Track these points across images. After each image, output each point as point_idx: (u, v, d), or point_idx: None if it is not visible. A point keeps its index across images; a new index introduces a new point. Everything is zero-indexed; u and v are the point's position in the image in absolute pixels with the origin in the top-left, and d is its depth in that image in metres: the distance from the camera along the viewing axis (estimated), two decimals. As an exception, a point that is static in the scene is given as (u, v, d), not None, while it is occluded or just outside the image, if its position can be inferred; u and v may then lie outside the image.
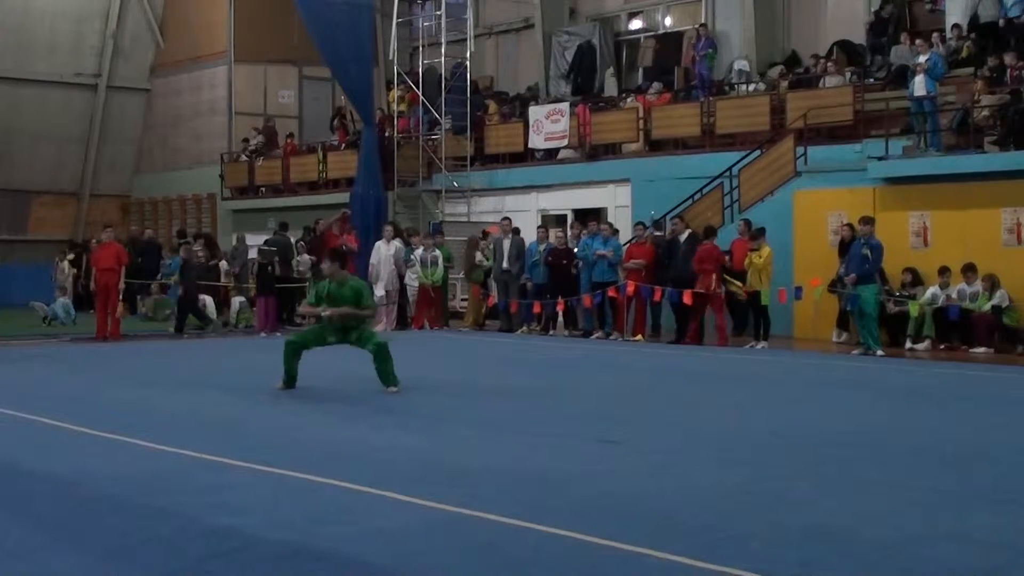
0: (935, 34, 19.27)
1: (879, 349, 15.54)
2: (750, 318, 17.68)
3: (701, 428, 9.16)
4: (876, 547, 5.37)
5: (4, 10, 30.48)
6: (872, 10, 22.27)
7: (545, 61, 27.39)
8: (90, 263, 21.12)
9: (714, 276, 16.83)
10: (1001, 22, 19.17)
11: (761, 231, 17.22)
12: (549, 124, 23.89)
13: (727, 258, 17.64)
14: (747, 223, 17.84)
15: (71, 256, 26.18)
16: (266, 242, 20.46)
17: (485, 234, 21.41)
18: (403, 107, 26.57)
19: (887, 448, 8.17)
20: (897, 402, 10.88)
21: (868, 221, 15.97)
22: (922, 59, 17.50)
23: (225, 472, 7.21)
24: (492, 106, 26.83)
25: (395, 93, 26.52)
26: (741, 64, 22.97)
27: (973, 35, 19.57)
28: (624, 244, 19.08)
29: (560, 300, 19.04)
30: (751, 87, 22.42)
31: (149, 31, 32.89)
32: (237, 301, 21.36)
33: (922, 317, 16.32)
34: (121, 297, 18.90)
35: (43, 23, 31.00)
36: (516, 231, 20.44)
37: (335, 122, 29.40)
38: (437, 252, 20.09)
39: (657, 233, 19.04)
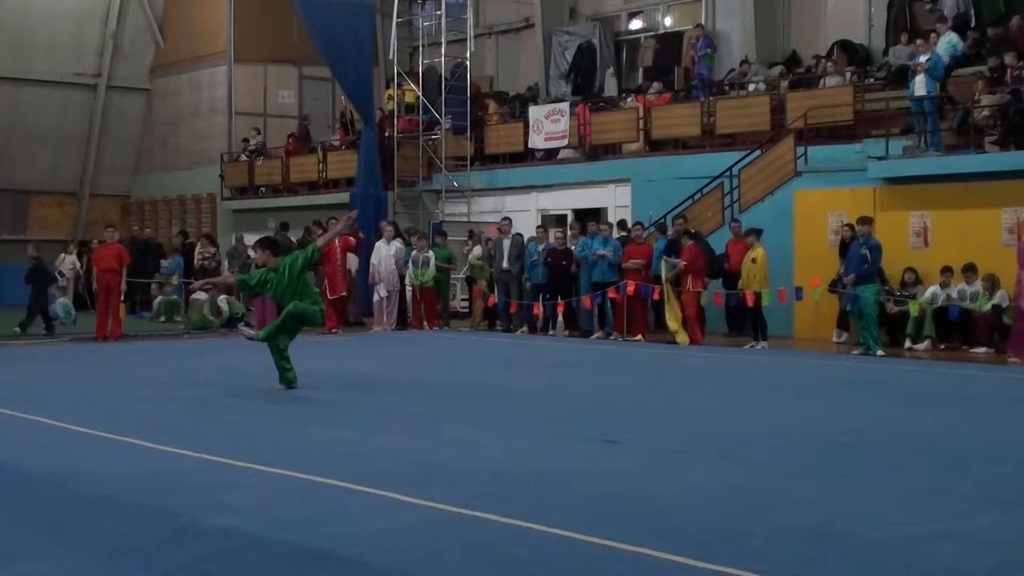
0: (933, 34, 19.26)
1: (879, 349, 15.55)
2: (748, 318, 17.70)
3: (701, 428, 9.16)
4: (876, 547, 5.37)
5: (4, 10, 30.48)
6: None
7: (545, 61, 27.38)
8: (91, 263, 21.13)
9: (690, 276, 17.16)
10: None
11: (754, 231, 17.30)
12: (549, 124, 23.89)
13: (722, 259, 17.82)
14: (739, 224, 18.09)
15: (75, 252, 26.22)
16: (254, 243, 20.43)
17: (471, 234, 21.51)
18: (412, 99, 26.39)
19: (887, 448, 8.17)
20: (897, 402, 10.88)
21: (866, 221, 15.99)
22: (922, 59, 17.51)
23: (225, 472, 7.21)
24: (492, 106, 26.82)
25: (394, 91, 26.45)
26: (764, 71, 22.63)
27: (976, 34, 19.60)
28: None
29: (560, 301, 19.08)
30: (751, 87, 22.40)
31: (149, 31, 32.89)
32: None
33: (922, 317, 16.33)
34: (122, 298, 18.89)
35: (43, 23, 31.00)
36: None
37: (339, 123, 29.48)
38: (430, 253, 20.08)
39: (623, 233, 19.26)
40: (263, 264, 11.53)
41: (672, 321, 17.51)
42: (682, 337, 17.25)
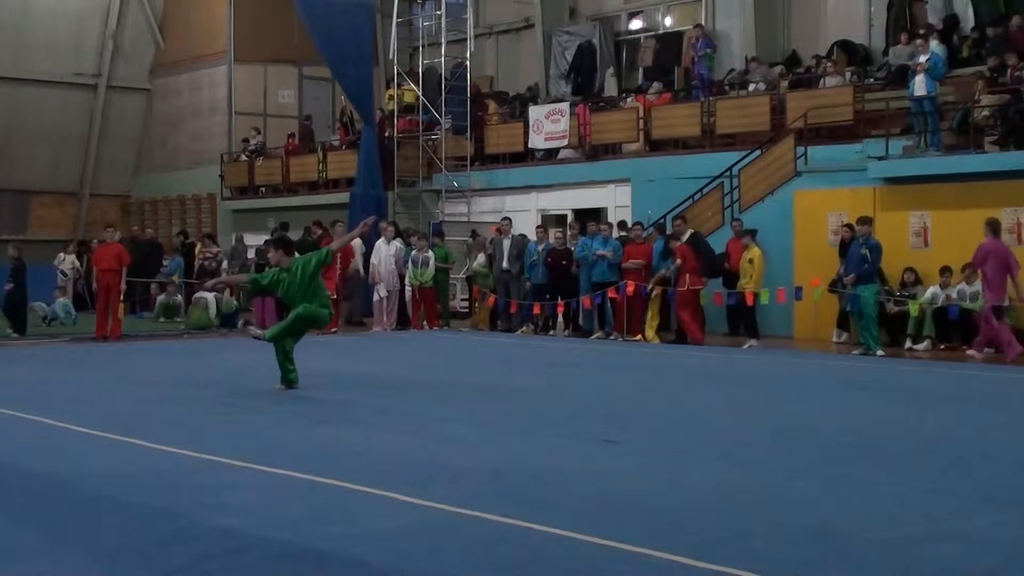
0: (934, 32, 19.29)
1: (879, 349, 15.54)
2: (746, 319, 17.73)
3: (701, 428, 9.16)
4: (876, 547, 5.37)
5: (4, 10, 30.49)
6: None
7: (545, 61, 27.39)
8: (91, 263, 21.13)
9: (687, 275, 17.14)
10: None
11: (748, 232, 17.30)
12: (549, 124, 23.89)
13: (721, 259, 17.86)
14: (740, 223, 18.16)
15: (75, 252, 26.23)
16: (265, 242, 20.46)
17: (475, 235, 21.49)
18: (412, 99, 26.37)
19: (887, 448, 8.17)
20: (897, 402, 10.88)
21: (866, 221, 15.99)
22: (922, 59, 17.51)
23: (225, 472, 7.21)
24: (492, 106, 26.82)
25: (394, 91, 26.44)
26: (765, 70, 22.62)
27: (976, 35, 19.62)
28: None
29: (560, 301, 19.08)
30: (751, 87, 22.40)
31: (149, 31, 32.90)
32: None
33: (922, 317, 16.33)
34: (122, 297, 18.88)
35: (43, 23, 31.01)
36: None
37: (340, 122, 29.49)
38: (429, 253, 20.07)
39: (623, 233, 19.29)
40: (276, 264, 11.49)
41: (649, 329, 17.96)
42: (651, 338, 17.85)
